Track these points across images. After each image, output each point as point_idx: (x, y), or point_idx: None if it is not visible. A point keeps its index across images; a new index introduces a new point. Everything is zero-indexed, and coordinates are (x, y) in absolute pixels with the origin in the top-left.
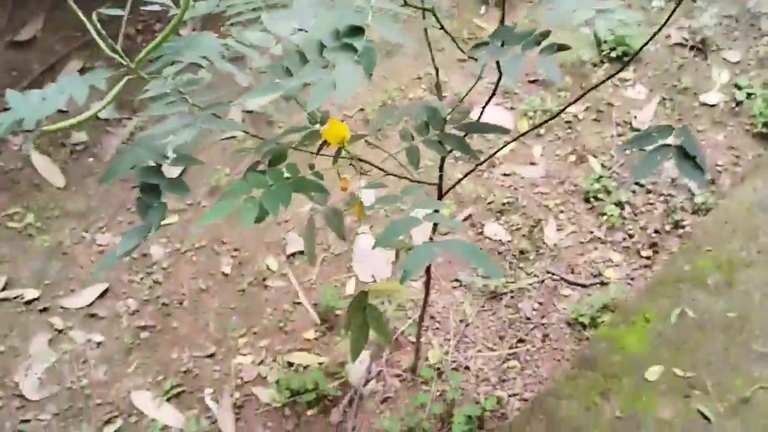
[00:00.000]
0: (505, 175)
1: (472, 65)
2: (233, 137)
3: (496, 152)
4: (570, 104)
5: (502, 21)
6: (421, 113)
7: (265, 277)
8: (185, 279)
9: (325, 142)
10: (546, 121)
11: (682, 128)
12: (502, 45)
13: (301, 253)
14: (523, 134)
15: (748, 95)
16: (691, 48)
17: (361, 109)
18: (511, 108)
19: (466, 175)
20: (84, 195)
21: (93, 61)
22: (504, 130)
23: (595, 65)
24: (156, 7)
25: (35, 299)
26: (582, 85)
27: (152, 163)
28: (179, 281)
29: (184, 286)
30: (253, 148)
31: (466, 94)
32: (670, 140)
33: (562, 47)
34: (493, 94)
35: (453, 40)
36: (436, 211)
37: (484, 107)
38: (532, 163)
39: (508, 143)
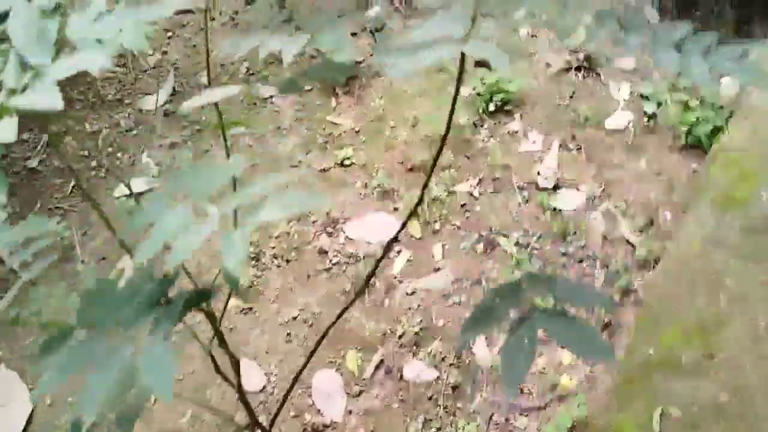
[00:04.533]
0: (408, 294)
1: (340, 173)
2: None
3: None
4: None
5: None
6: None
7: None
8: None
9: None
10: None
11: (536, 275)
12: None
13: None
14: None
15: (659, 104)
16: (578, 69)
17: None
18: (395, 209)
19: None
20: None
21: None
22: None
23: (476, 125)
24: None
25: None
26: (467, 153)
27: None
28: None
29: None
30: None
31: None
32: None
33: None
34: None
35: None
36: None
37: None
38: (436, 269)
39: None
